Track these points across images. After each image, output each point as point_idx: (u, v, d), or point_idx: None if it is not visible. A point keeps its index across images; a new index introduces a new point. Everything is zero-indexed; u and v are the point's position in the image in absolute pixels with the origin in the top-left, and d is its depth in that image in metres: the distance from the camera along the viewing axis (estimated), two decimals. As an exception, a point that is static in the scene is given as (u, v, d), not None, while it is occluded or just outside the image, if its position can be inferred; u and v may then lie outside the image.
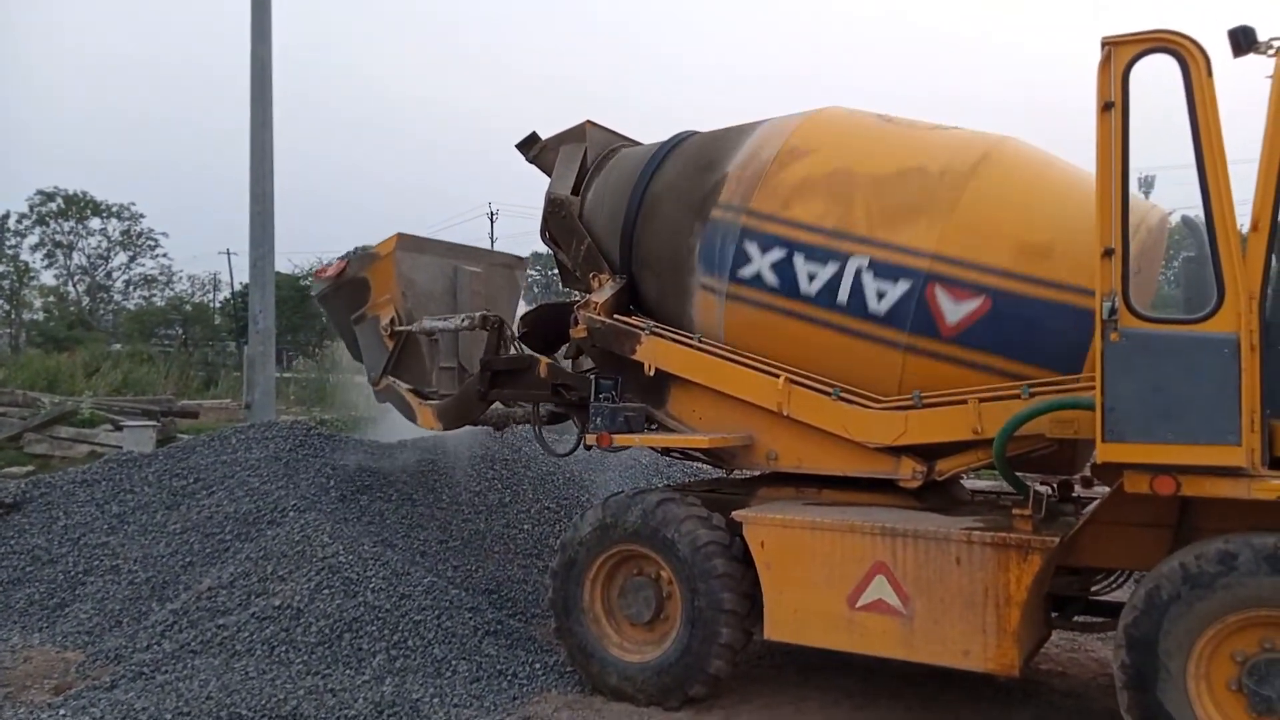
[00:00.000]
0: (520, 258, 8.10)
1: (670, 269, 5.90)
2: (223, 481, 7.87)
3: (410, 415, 7.09)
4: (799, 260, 5.33)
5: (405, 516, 7.66)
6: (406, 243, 7.04)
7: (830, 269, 5.23)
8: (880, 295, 5.10)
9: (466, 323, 6.63)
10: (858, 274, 5.15)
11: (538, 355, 6.51)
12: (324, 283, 7.36)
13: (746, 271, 5.48)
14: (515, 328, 6.92)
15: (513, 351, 6.62)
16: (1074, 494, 5.52)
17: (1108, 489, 4.80)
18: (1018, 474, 4.99)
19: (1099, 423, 4.12)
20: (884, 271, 5.10)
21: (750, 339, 5.59)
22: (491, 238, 49.23)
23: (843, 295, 5.18)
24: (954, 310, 4.98)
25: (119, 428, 15.07)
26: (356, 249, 7.39)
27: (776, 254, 5.39)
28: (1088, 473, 5.46)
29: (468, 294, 7.36)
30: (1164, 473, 4.09)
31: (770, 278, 5.41)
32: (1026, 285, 4.88)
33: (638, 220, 6.08)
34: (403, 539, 7.30)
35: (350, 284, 7.19)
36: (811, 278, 5.28)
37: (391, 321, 7.02)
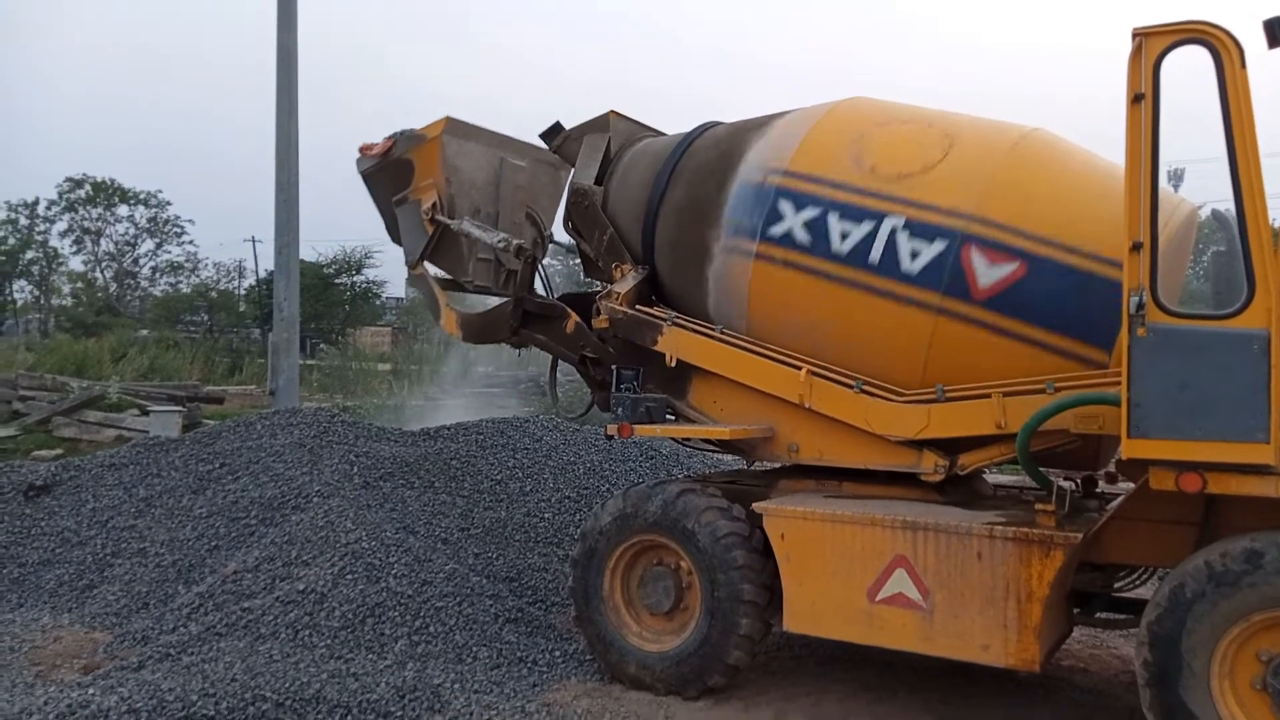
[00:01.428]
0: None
1: (694, 243, 5.85)
2: (248, 467, 7.96)
3: (435, 312, 7.07)
4: (833, 219, 5.27)
5: (427, 504, 7.72)
6: (455, 128, 6.88)
7: (865, 228, 5.17)
8: (914, 255, 5.03)
9: (502, 244, 6.58)
10: (892, 233, 5.09)
11: (569, 309, 6.49)
12: (369, 160, 7.17)
13: (777, 230, 5.41)
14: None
15: (541, 293, 6.61)
16: (1098, 490, 5.48)
17: (1132, 485, 4.76)
18: (1041, 469, 4.96)
19: (1124, 418, 4.09)
20: (920, 231, 5.04)
21: (776, 301, 5.51)
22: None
23: (875, 255, 5.12)
24: (988, 273, 4.91)
25: (145, 412, 15.30)
26: (403, 130, 7.06)
27: (810, 212, 5.33)
28: (1112, 468, 5.42)
29: (510, 187, 7.21)
30: (1190, 470, 4.05)
31: (802, 236, 5.33)
32: (1063, 253, 4.81)
33: (660, 207, 6.08)
34: (424, 526, 7.36)
35: (395, 164, 7.04)
36: (844, 236, 5.22)
37: (433, 207, 6.86)
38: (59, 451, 13.55)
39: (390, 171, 7.08)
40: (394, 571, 6.19)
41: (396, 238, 7.26)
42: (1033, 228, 4.88)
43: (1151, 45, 4.06)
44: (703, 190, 5.85)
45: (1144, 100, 4.06)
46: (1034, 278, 4.84)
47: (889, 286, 5.10)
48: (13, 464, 9.12)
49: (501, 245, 6.59)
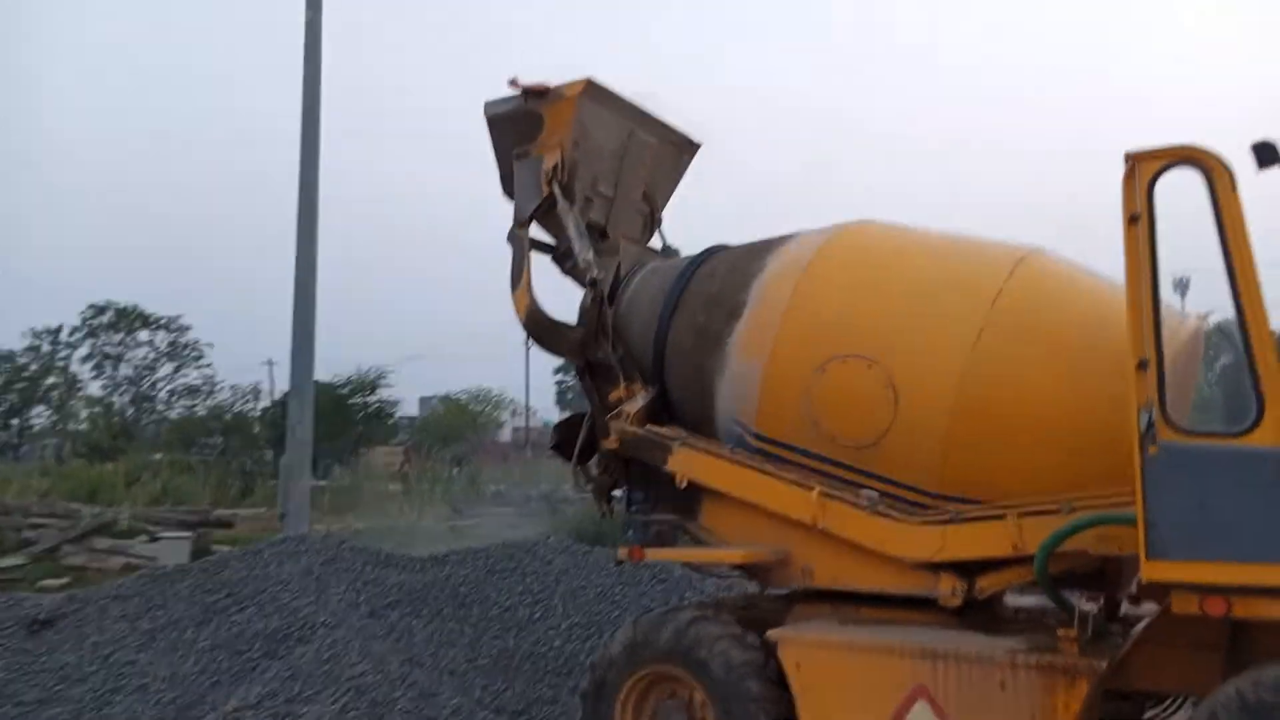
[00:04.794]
0: (694, 142, 7.44)
1: (697, 401, 5.93)
2: (254, 597, 7.85)
3: (513, 280, 6.61)
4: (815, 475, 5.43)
5: (434, 633, 7.56)
6: (594, 90, 6.55)
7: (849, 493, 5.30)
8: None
9: (584, 264, 6.33)
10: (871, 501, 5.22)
11: (631, 378, 6.18)
12: (501, 104, 6.76)
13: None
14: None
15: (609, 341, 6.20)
16: (1121, 612, 5.31)
17: (1156, 607, 4.63)
18: (1062, 591, 4.83)
19: (1142, 540, 4.00)
20: (896, 503, 5.17)
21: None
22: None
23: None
24: None
25: (155, 539, 15.19)
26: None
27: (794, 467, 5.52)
28: (1134, 590, 5.27)
29: (634, 163, 6.92)
30: (1214, 593, 3.93)
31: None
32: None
33: (669, 331, 6.13)
34: (431, 657, 7.18)
35: (525, 115, 6.66)
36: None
37: (555, 168, 6.50)
38: (66, 581, 13.40)
39: (518, 121, 6.69)
40: (399, 707, 6.01)
41: (510, 191, 6.88)
42: (998, 496, 4.91)
43: (1144, 168, 4.15)
44: (696, 361, 5.91)
45: (1140, 220, 4.13)
46: None
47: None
48: (16, 596, 9.02)
49: (584, 265, 6.33)
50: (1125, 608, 5.36)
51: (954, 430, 4.96)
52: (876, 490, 5.19)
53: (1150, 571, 4.02)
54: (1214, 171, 4.06)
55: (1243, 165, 4.12)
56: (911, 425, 5.07)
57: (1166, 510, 3.97)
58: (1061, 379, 4.87)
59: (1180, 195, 4.18)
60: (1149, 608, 5.07)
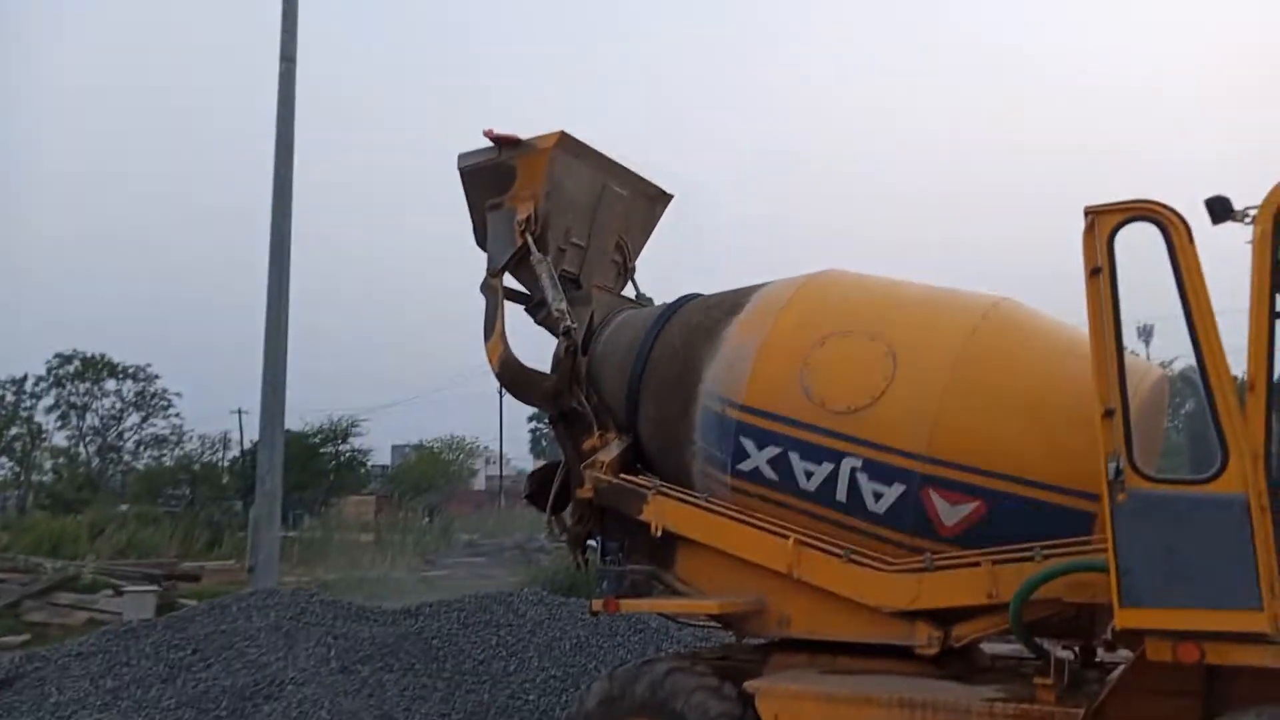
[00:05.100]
0: (666, 193, 7.56)
1: (673, 449, 5.89)
2: (220, 653, 7.68)
3: (486, 330, 6.62)
4: (794, 458, 5.32)
5: (407, 688, 7.41)
6: (567, 143, 6.62)
7: (826, 468, 5.22)
8: (877, 496, 5.10)
9: (558, 313, 6.32)
10: (853, 473, 5.15)
11: (605, 427, 6.18)
12: (472, 157, 6.81)
13: (746, 465, 5.48)
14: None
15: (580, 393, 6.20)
16: (1097, 659, 5.33)
17: (1131, 653, 4.64)
18: (1038, 639, 4.84)
19: (1114, 587, 4.03)
20: (878, 473, 5.10)
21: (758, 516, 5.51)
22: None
23: (840, 493, 5.18)
24: (950, 513, 4.98)
25: (120, 593, 14.85)
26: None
27: (772, 450, 5.39)
28: (1109, 636, 5.29)
29: (608, 214, 6.98)
30: (1186, 639, 3.96)
31: (769, 472, 5.40)
32: (1020, 487, 4.87)
33: (641, 387, 6.13)
34: (404, 713, 7.04)
35: (498, 168, 6.73)
36: (809, 475, 5.28)
37: (528, 219, 6.54)
38: (26, 637, 13.04)
39: (491, 174, 6.77)
40: (370, 765, 5.87)
41: (482, 243, 6.94)
42: (985, 464, 4.94)
43: (1103, 222, 4.26)
44: (675, 399, 5.88)
45: (1101, 273, 4.23)
46: (995, 514, 4.90)
47: (858, 525, 5.18)
48: (-25, 655, 8.76)
49: (557, 314, 6.33)
50: (1101, 654, 5.38)
51: (952, 387, 5.04)
52: (860, 457, 5.11)
53: (1124, 619, 4.04)
54: (1170, 225, 4.17)
55: (1200, 218, 4.25)
56: (910, 383, 5.11)
57: (1137, 557, 4.01)
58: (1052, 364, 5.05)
59: (1145, 243, 4.28)
60: (1125, 654, 5.10)
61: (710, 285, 6.48)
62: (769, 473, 5.39)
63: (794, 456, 5.31)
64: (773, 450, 5.36)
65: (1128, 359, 4.31)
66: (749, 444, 5.44)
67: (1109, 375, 4.18)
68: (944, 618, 5.01)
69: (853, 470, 5.13)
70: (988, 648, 5.77)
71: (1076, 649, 5.28)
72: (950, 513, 4.96)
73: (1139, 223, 4.22)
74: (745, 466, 5.46)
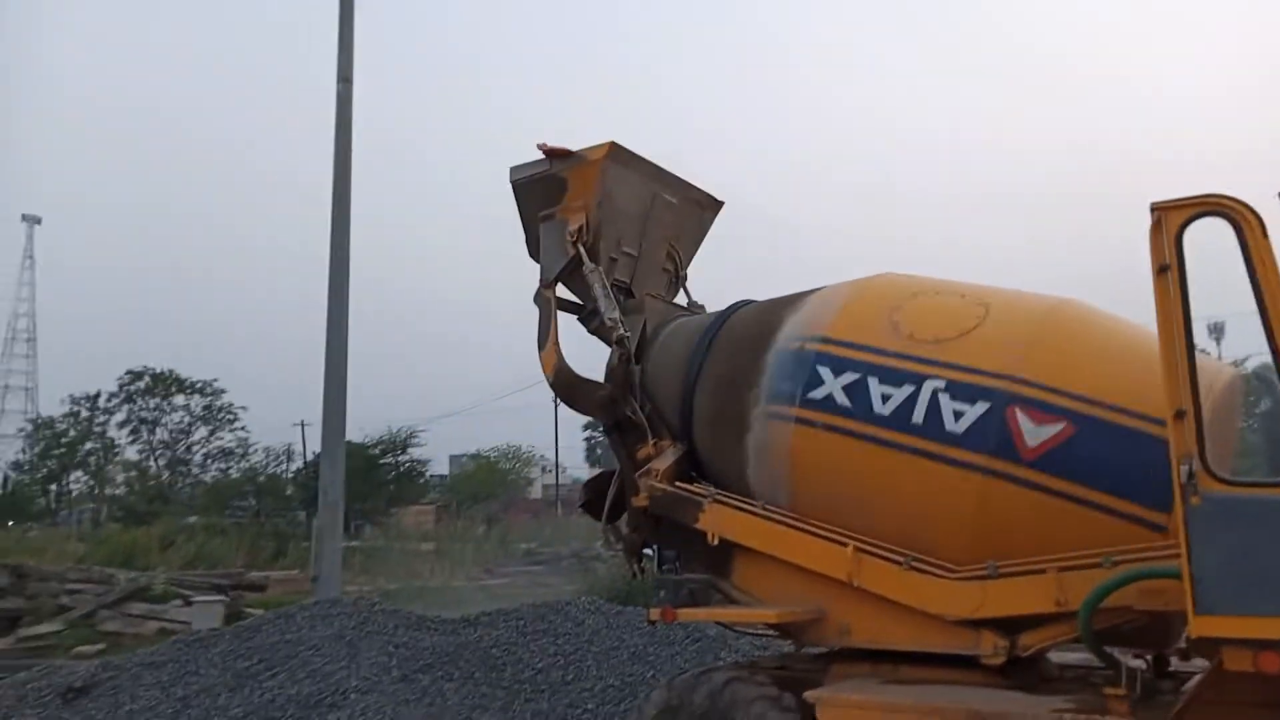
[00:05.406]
0: (717, 200, 7.60)
1: (732, 415, 5.80)
2: (285, 662, 7.82)
3: (540, 340, 6.67)
4: (872, 382, 5.23)
5: (467, 696, 7.46)
6: (618, 154, 6.68)
7: (905, 390, 5.12)
8: (958, 416, 4.96)
9: (611, 322, 6.35)
10: (934, 395, 5.04)
11: (659, 435, 6.18)
12: (524, 170, 6.91)
13: (817, 394, 5.37)
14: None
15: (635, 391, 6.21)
16: (1170, 669, 5.15)
17: (1208, 663, 4.48)
18: (1108, 648, 4.70)
19: (1188, 594, 3.89)
20: (961, 393, 4.99)
21: (818, 467, 5.41)
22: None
23: (918, 416, 5.05)
24: (1035, 433, 4.82)
25: (189, 603, 15.24)
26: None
27: (850, 376, 5.31)
28: (1184, 645, 5.10)
29: (658, 224, 7.03)
30: (1268, 648, 3.80)
31: (842, 399, 5.29)
32: (1110, 413, 4.74)
33: (698, 383, 6.11)
34: (464, 721, 7.09)
35: (549, 180, 6.82)
36: (885, 399, 5.18)
37: (579, 230, 6.60)
38: (101, 647, 13.45)
39: (543, 186, 6.85)
40: (432, 774, 5.92)
41: (535, 255, 7.02)
42: (1075, 388, 4.83)
43: (1171, 219, 4.12)
44: (740, 362, 5.88)
45: (1169, 271, 4.09)
46: (1082, 437, 4.75)
47: (934, 449, 5.01)
48: (53, 664, 9.05)
49: (610, 323, 6.35)
50: (1175, 663, 5.20)
51: (1045, 323, 5.11)
52: (943, 379, 5.04)
53: (1199, 627, 3.90)
54: (1243, 220, 4.02)
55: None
56: (1001, 324, 5.16)
57: (1212, 563, 3.86)
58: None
59: (1214, 238, 4.14)
60: (1200, 663, 4.92)
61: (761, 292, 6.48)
62: (841, 399, 5.28)
63: (872, 381, 5.22)
64: (850, 376, 5.29)
65: (1199, 358, 4.17)
66: (825, 371, 5.36)
67: (1180, 375, 4.04)
68: (1010, 626, 4.88)
69: (934, 391, 5.03)
70: (1055, 656, 5.62)
71: (1149, 658, 5.11)
72: (1034, 433, 4.80)
73: (1208, 218, 4.08)
74: (817, 394, 5.35)
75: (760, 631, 6.45)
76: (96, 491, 51.02)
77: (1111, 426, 4.72)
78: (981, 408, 4.92)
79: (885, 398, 5.17)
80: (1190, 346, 4.08)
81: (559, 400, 6.84)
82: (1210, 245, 4.16)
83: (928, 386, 5.06)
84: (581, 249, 6.55)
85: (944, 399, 5.01)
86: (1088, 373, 4.89)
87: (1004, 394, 4.90)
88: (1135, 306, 4.97)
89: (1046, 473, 4.78)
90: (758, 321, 6.03)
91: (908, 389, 5.12)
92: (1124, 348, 5.00)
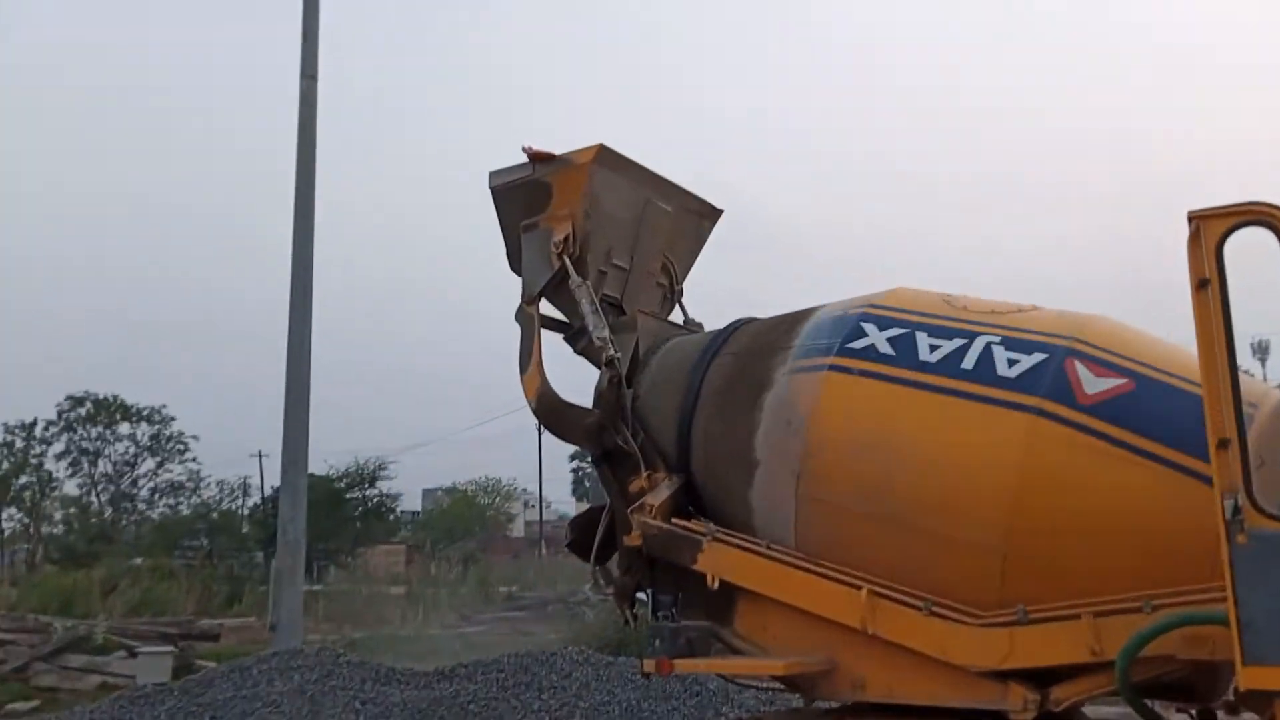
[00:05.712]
0: (715, 208, 7.62)
1: (746, 391, 5.82)
2: (241, 719, 7.75)
3: (522, 362, 6.67)
4: (921, 336, 5.34)
5: (442, 758, 7.41)
6: (606, 157, 6.64)
7: (956, 342, 5.24)
8: (1011, 363, 5.08)
9: (600, 342, 6.33)
10: (987, 346, 5.16)
11: (653, 467, 6.13)
12: (504, 175, 6.88)
13: (858, 344, 5.45)
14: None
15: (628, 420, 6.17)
16: (1218, 724, 5.14)
17: (1259, 718, 4.47)
18: (1149, 702, 4.68)
19: (1236, 642, 3.89)
20: (1017, 345, 5.12)
21: (849, 413, 5.41)
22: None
23: (968, 363, 5.15)
24: (1094, 382, 4.92)
25: (133, 654, 15.10)
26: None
27: (896, 330, 5.42)
28: (1232, 698, 5.10)
29: (650, 232, 7.01)
30: (1324, 702, 3.80)
31: (885, 348, 5.37)
32: (1172, 378, 4.86)
33: (697, 407, 6.10)
34: (438, 787, 7.03)
35: (531, 186, 6.77)
36: (934, 349, 5.28)
37: (565, 240, 6.57)
38: (35, 704, 13.31)
39: (525, 192, 6.81)
40: (402, 845, 5.86)
41: (517, 268, 7.00)
42: (1136, 355, 5.01)
43: (1210, 229, 4.15)
44: (745, 383, 5.87)
45: (1210, 286, 4.11)
46: (1144, 393, 4.86)
47: (982, 391, 5.08)
48: (-19, 723, 8.95)
49: (599, 343, 6.34)
50: (1222, 718, 5.19)
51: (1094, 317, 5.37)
52: (999, 336, 5.18)
53: (1248, 679, 3.89)
54: (1290, 228, 4.06)
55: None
56: (1055, 312, 5.40)
57: (1262, 607, 3.86)
58: None
59: (1255, 253, 4.17)
60: (1250, 718, 4.91)
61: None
62: (884, 348, 5.36)
63: (920, 335, 5.33)
64: (896, 330, 5.40)
65: (1242, 380, 4.19)
66: (869, 326, 5.46)
67: (1222, 400, 4.06)
68: (1041, 678, 4.87)
69: (988, 344, 5.16)
70: (1091, 711, 5.61)
71: (1193, 713, 5.10)
72: (1094, 382, 4.89)
73: (1251, 227, 4.11)
74: (857, 344, 5.42)
75: (766, 684, 6.42)
76: (31, 530, 50.65)
77: (1174, 390, 4.82)
78: (1039, 357, 5.05)
79: (934, 348, 5.29)
80: (1234, 367, 4.10)
81: (543, 428, 6.84)
82: (1254, 257, 4.19)
83: (980, 339, 5.21)
84: (567, 261, 6.54)
85: (998, 349, 5.15)
86: (1147, 349, 5.08)
87: (1064, 349, 5.05)
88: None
89: (1102, 419, 4.84)
90: (768, 335, 6.02)
91: (959, 341, 5.25)
92: (1175, 345, 5.13)
